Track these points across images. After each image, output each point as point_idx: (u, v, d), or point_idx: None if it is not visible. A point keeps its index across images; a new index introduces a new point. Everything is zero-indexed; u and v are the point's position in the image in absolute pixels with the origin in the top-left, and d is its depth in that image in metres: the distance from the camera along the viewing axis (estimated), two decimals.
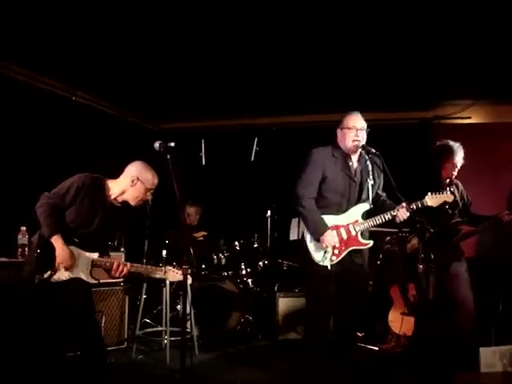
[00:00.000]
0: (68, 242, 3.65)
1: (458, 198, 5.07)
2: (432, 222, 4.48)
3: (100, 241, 3.87)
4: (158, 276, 3.98)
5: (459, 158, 4.93)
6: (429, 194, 4.11)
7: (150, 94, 6.96)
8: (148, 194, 3.93)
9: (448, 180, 5.01)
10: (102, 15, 4.60)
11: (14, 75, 5.76)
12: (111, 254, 4.02)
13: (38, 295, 3.67)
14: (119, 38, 5.09)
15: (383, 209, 4.12)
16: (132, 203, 3.91)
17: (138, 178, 3.85)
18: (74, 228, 3.72)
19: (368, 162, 4.16)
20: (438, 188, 4.94)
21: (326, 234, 3.96)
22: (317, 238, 3.99)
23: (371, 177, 4.14)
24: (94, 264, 3.77)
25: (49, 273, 3.62)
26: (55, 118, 6.13)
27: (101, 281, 5.19)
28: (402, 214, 4.02)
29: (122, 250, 5.72)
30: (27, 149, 5.66)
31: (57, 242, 3.59)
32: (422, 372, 4.34)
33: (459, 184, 5.15)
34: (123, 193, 3.88)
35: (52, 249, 3.61)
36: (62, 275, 3.67)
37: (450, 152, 4.93)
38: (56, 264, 3.60)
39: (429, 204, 4.10)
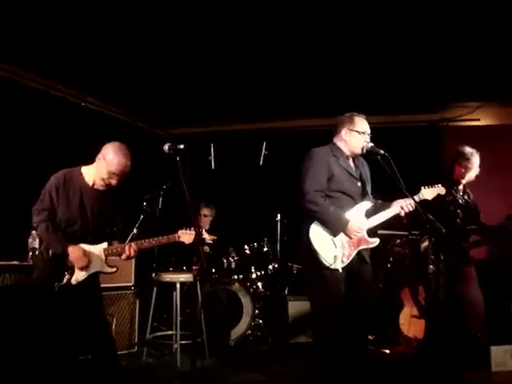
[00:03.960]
0: (73, 241, 3.72)
1: (470, 202, 5.11)
2: (442, 223, 4.50)
3: (100, 229, 3.88)
4: (172, 240, 3.94)
5: (470, 163, 4.96)
6: (422, 187, 4.12)
7: (159, 100, 6.99)
8: (111, 176, 3.76)
9: (462, 186, 5.05)
10: (113, 23, 4.65)
11: (25, 82, 5.81)
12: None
13: (59, 301, 3.72)
14: (129, 45, 5.13)
15: (376, 207, 4.07)
16: (97, 184, 3.81)
17: (103, 157, 3.75)
18: (68, 225, 3.76)
19: (363, 161, 4.15)
20: (452, 188, 4.98)
21: (351, 223, 3.83)
22: (342, 231, 3.83)
23: (368, 176, 4.14)
24: (106, 254, 3.83)
25: (67, 277, 3.67)
26: (66, 124, 6.17)
27: (112, 285, 5.30)
28: (408, 206, 3.96)
29: None
30: (38, 154, 5.71)
31: (69, 250, 3.67)
32: (433, 375, 4.32)
33: (470, 192, 5.21)
34: (95, 175, 3.81)
35: (62, 256, 3.68)
36: (80, 275, 3.73)
37: (461, 156, 4.98)
38: (72, 266, 3.68)
39: (424, 197, 4.10)
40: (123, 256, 3.84)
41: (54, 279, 3.67)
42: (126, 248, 3.82)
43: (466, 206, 5.09)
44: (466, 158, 4.96)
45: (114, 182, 3.78)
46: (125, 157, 3.77)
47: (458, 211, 5.02)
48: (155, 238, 3.93)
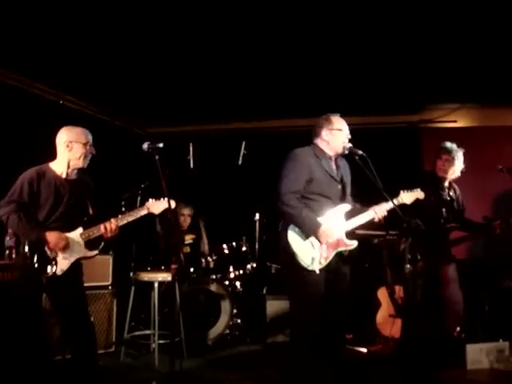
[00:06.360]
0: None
1: (455, 200, 5.13)
2: (423, 221, 4.53)
3: (76, 217, 3.92)
4: (143, 213, 3.99)
5: (451, 156, 4.97)
6: (401, 191, 4.14)
7: (137, 99, 6.95)
8: (88, 147, 3.90)
9: (447, 182, 5.07)
10: (91, 22, 4.61)
11: (2, 79, 5.74)
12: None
13: (50, 294, 3.81)
14: (107, 44, 5.09)
15: (354, 211, 4.09)
16: (82, 165, 3.91)
17: (70, 141, 3.85)
18: (47, 218, 3.79)
19: (345, 163, 4.17)
20: (437, 186, 4.97)
21: (322, 229, 3.80)
22: (314, 235, 3.82)
23: (348, 178, 4.16)
24: (83, 238, 3.85)
25: (50, 268, 3.66)
26: (43, 122, 6.09)
27: (89, 284, 5.26)
28: (380, 212, 4.01)
29: (111, 252, 5.69)
30: (14, 151, 5.64)
31: (45, 235, 3.68)
32: (410, 373, 4.36)
33: (456, 188, 5.21)
34: (69, 162, 3.89)
35: (41, 247, 3.67)
36: (63, 264, 3.74)
37: (442, 150, 5.01)
38: (52, 251, 3.69)
39: (403, 201, 4.11)
40: (105, 236, 3.88)
41: (38, 273, 3.65)
42: (102, 228, 3.85)
43: (451, 203, 5.10)
44: (446, 152, 4.97)
45: (93, 149, 3.93)
46: (79, 128, 3.95)
47: (443, 210, 5.02)
48: (124, 214, 3.96)
